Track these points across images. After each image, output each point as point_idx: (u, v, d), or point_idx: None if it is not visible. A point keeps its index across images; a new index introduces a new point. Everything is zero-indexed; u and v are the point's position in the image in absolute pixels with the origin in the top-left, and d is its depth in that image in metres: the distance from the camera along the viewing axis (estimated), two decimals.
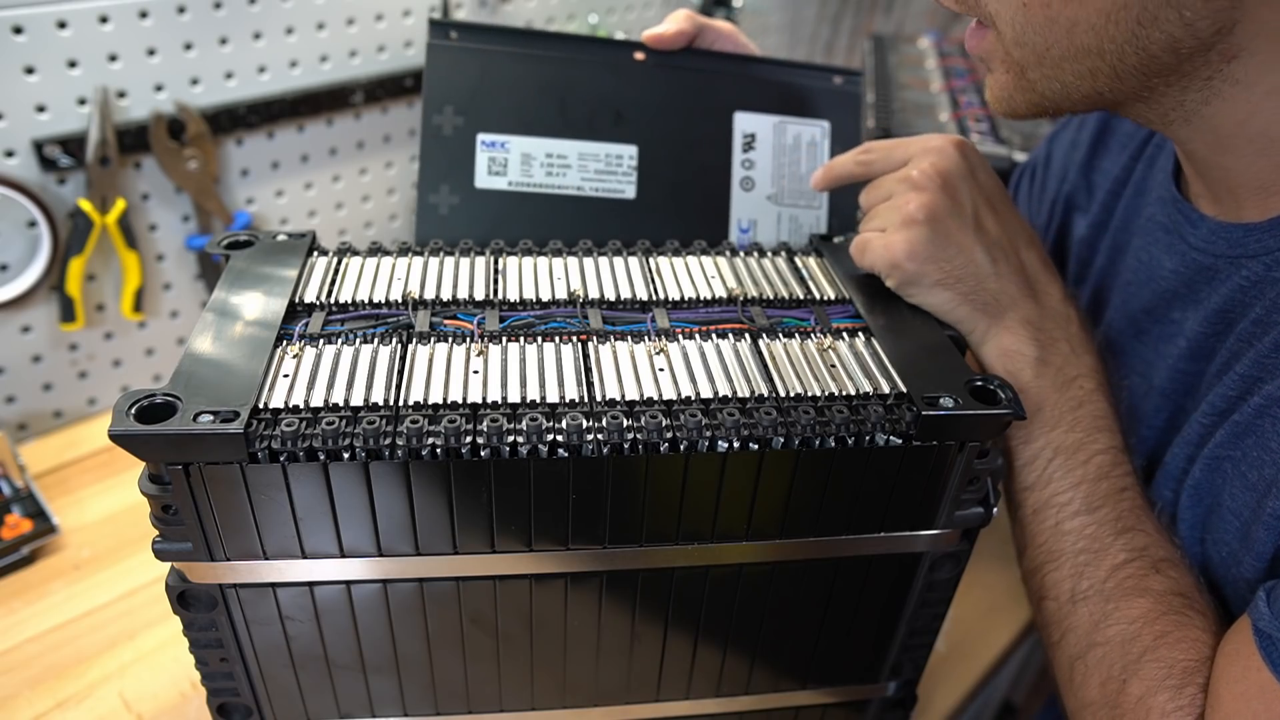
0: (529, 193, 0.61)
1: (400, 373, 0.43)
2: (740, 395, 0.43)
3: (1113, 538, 0.49)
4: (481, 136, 0.60)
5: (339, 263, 0.52)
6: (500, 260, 0.53)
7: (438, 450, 0.39)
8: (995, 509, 0.47)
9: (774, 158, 0.64)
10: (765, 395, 0.43)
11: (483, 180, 0.60)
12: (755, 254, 0.56)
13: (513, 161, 0.61)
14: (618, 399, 0.42)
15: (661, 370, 0.44)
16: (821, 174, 0.59)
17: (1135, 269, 0.58)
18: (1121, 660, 0.46)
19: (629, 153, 0.62)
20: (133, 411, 0.38)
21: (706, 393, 0.43)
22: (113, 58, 0.79)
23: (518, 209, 0.61)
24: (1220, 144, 0.46)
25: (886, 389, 0.44)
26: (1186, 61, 0.42)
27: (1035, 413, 0.51)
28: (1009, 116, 0.49)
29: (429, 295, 0.49)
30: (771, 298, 0.51)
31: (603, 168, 0.62)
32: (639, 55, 0.63)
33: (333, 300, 0.48)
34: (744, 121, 0.64)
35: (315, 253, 0.52)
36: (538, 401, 0.42)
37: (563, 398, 0.42)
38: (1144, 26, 0.41)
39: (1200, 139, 0.47)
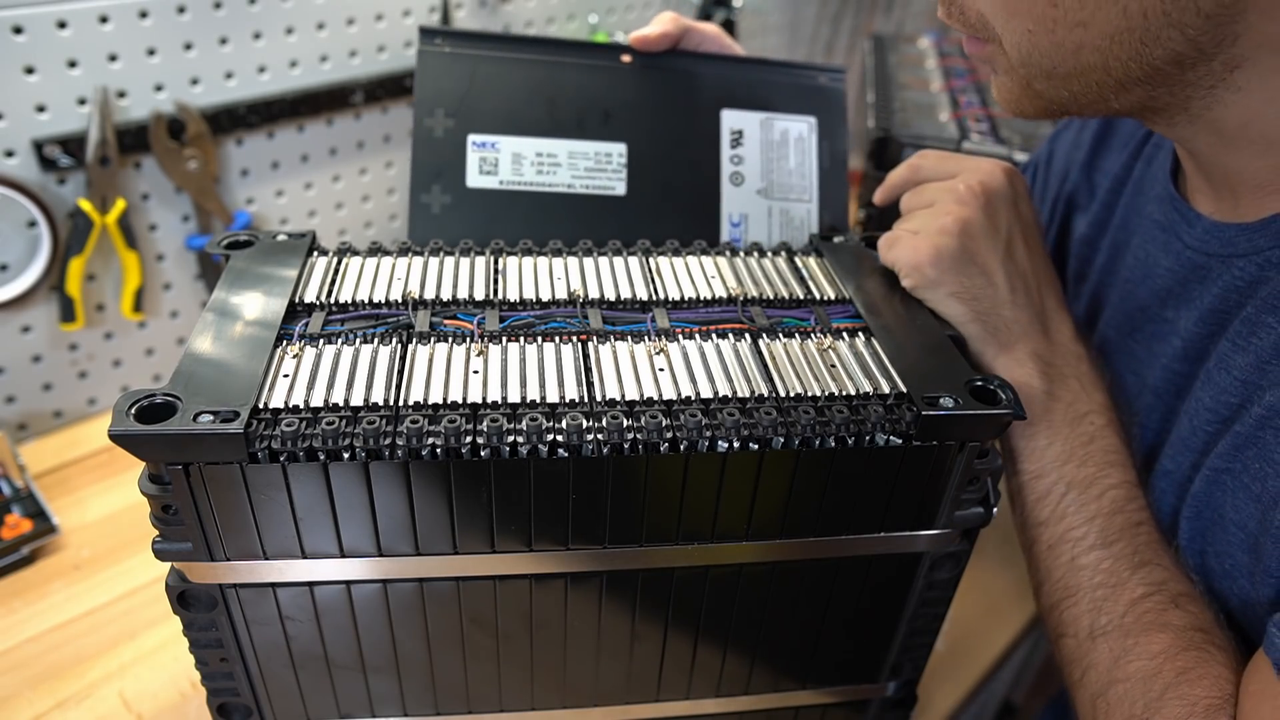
0: (520, 191, 0.61)
1: (400, 373, 0.43)
2: (740, 395, 0.43)
3: (1130, 572, 0.48)
4: (472, 137, 0.61)
5: (339, 263, 0.52)
6: (500, 260, 0.53)
7: (438, 450, 0.39)
8: (995, 509, 0.47)
9: (762, 152, 0.65)
10: (765, 395, 0.43)
11: (474, 180, 0.61)
12: (755, 254, 0.56)
13: (503, 161, 0.61)
14: (618, 399, 0.42)
15: (661, 370, 0.44)
16: (881, 190, 0.60)
17: (1134, 267, 0.58)
18: (1144, 698, 0.45)
19: (618, 150, 0.62)
20: (133, 411, 0.38)
21: (706, 393, 0.43)
22: (113, 58, 0.79)
23: (509, 207, 0.61)
24: (1223, 144, 0.47)
25: (886, 389, 0.44)
26: (1190, 71, 0.43)
27: (1046, 447, 0.51)
28: (1019, 117, 0.49)
29: (429, 295, 0.49)
30: (771, 298, 0.51)
31: (592, 165, 0.62)
32: (625, 58, 0.63)
33: (333, 300, 0.48)
34: (731, 118, 0.64)
35: (315, 253, 0.52)
36: (538, 401, 0.42)
37: (563, 398, 0.42)
38: (1147, 46, 0.41)
39: (1204, 139, 0.48)
